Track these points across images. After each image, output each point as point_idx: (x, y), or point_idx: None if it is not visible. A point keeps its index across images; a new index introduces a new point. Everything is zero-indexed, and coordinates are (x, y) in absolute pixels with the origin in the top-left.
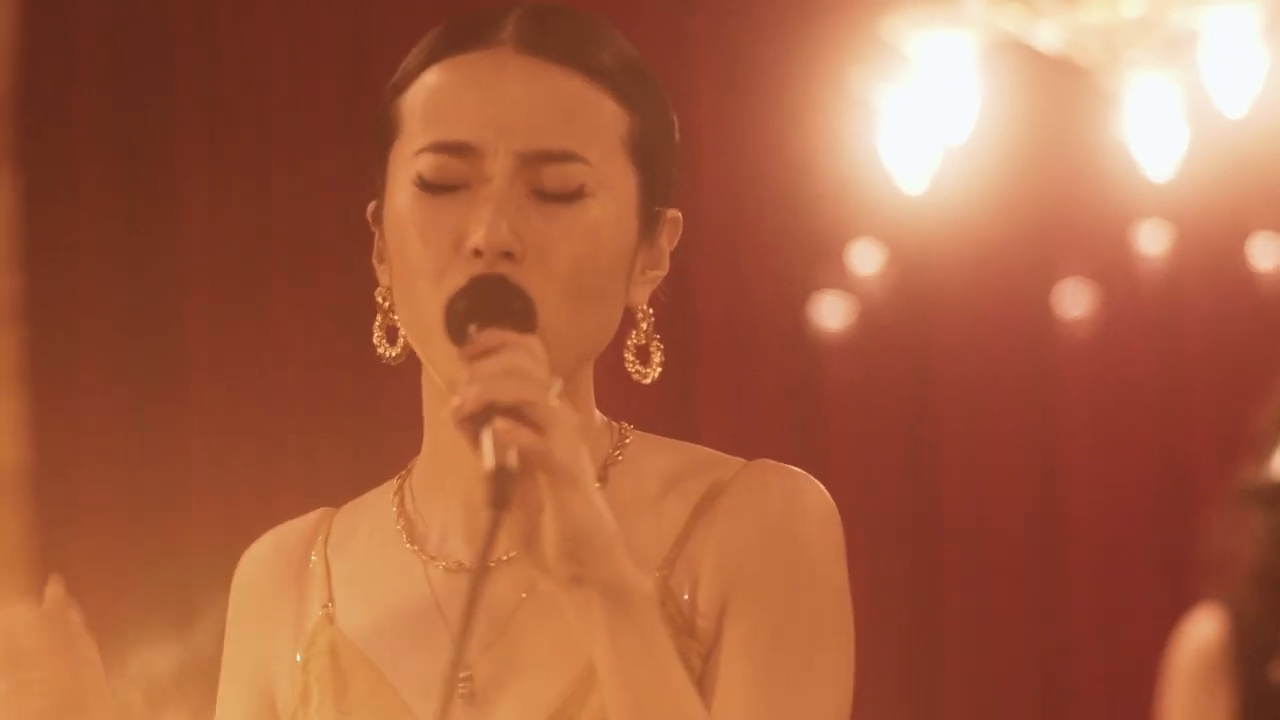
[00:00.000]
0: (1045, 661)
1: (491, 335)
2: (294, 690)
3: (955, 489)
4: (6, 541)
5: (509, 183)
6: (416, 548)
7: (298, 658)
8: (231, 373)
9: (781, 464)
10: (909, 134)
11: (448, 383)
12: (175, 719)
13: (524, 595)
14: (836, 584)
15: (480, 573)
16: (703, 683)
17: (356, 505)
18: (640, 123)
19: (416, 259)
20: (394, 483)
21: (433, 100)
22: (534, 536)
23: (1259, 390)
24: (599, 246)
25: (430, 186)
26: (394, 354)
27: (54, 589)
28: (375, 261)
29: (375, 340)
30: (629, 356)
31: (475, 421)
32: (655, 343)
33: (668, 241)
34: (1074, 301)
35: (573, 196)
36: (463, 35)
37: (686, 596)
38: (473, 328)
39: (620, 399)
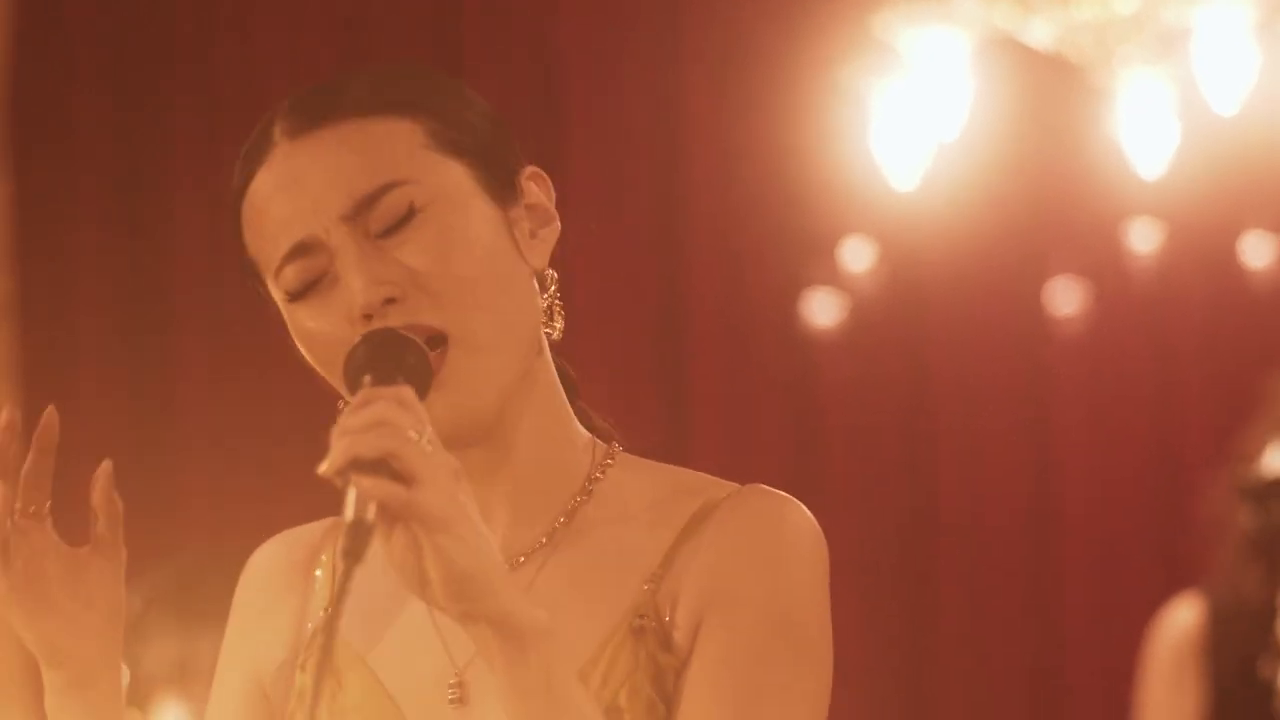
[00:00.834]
0: (1039, 656)
1: (365, 392)
2: (291, 690)
3: (949, 484)
4: None
5: (353, 244)
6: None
7: (299, 655)
8: (227, 372)
9: (772, 490)
10: (901, 130)
11: None
12: (168, 711)
13: None
14: (815, 608)
15: (334, 617)
16: (675, 697)
17: None
18: (432, 121)
19: (325, 353)
20: None
21: (257, 228)
22: (424, 580)
23: (1251, 386)
24: (461, 245)
25: (299, 294)
26: None
27: (110, 517)
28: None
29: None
30: (541, 320)
31: (343, 477)
32: (557, 305)
33: (545, 196)
34: (1066, 298)
35: (409, 216)
36: (248, 161)
37: (668, 614)
38: (367, 379)
39: (615, 398)
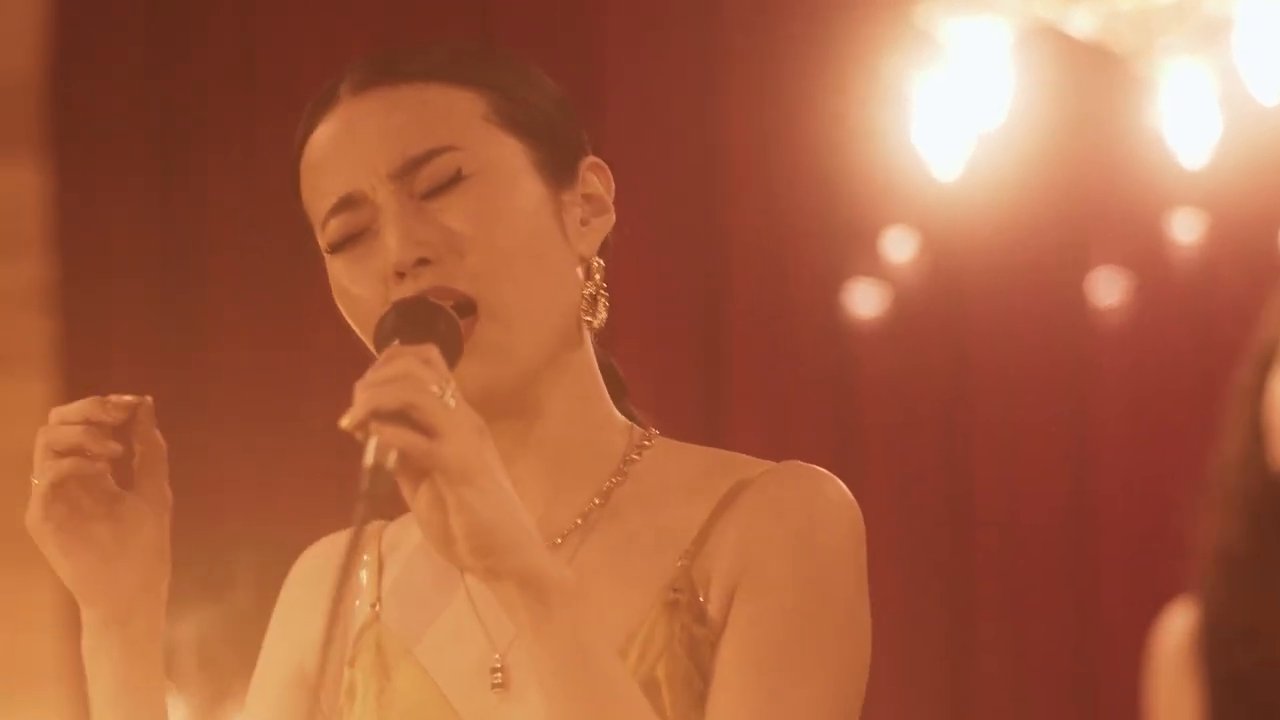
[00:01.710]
0: (1077, 650)
1: (389, 351)
2: (341, 684)
3: (989, 476)
4: None
5: (396, 202)
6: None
7: (347, 650)
8: (262, 358)
9: (807, 465)
10: (943, 121)
11: None
12: (199, 698)
13: None
14: (850, 580)
15: (348, 565)
16: (710, 670)
17: (408, 518)
18: (497, 95)
19: (360, 310)
20: None
21: (312, 180)
22: (448, 537)
23: None
24: (502, 216)
25: (339, 247)
26: None
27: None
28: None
29: None
30: (583, 305)
31: (364, 430)
32: (603, 293)
33: (603, 187)
34: (1108, 289)
35: (454, 182)
36: (311, 115)
37: (702, 588)
38: (396, 342)
39: (655, 390)
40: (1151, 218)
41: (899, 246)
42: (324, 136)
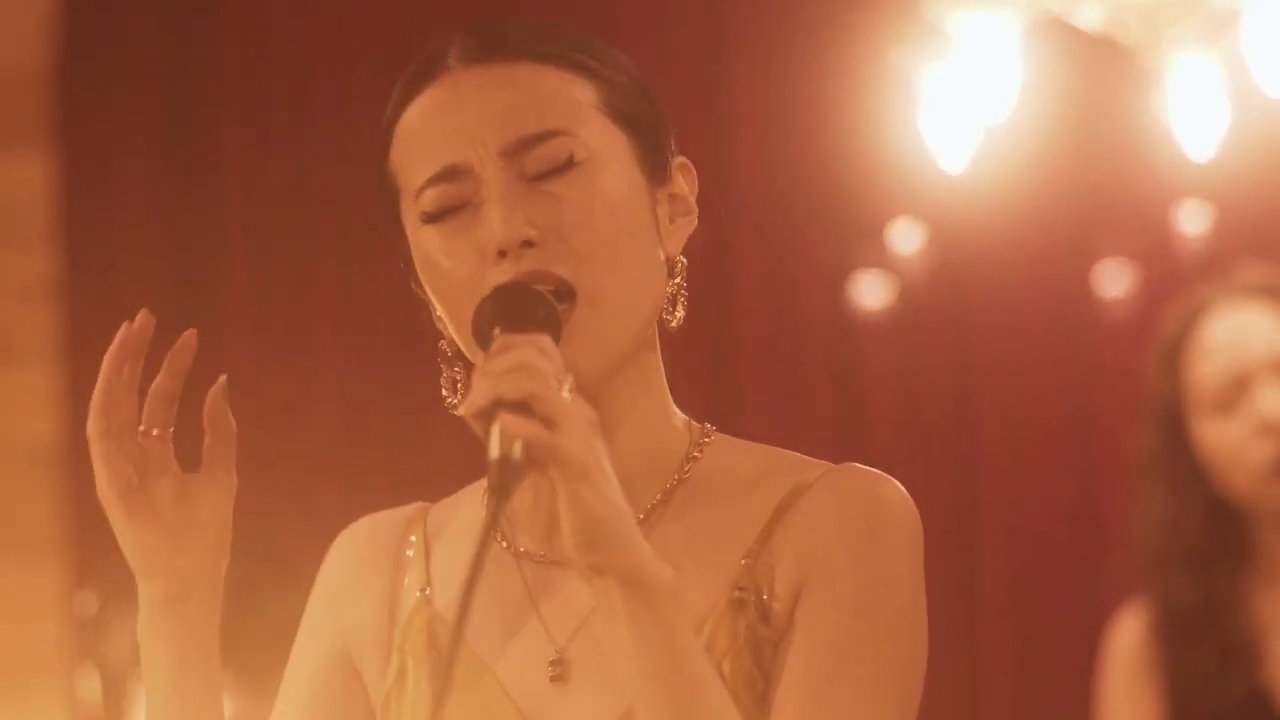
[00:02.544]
0: (1083, 645)
1: (505, 338)
2: (390, 669)
3: (993, 468)
4: (41, 516)
5: (504, 180)
6: (505, 543)
7: (395, 634)
8: (271, 350)
9: (867, 468)
10: (950, 113)
11: None
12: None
13: None
14: (910, 582)
15: (480, 553)
16: (773, 669)
17: (451, 502)
18: (605, 86)
19: (453, 284)
20: (483, 481)
21: (410, 146)
22: (554, 530)
23: None
24: (611, 207)
25: (437, 217)
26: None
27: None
28: (437, 322)
29: (443, 394)
30: (664, 304)
31: (485, 417)
32: (682, 293)
33: (688, 188)
34: (1114, 281)
35: (566, 167)
36: (414, 80)
37: (766, 588)
38: (497, 330)
39: None
40: (1159, 210)
41: (905, 238)
42: (429, 103)
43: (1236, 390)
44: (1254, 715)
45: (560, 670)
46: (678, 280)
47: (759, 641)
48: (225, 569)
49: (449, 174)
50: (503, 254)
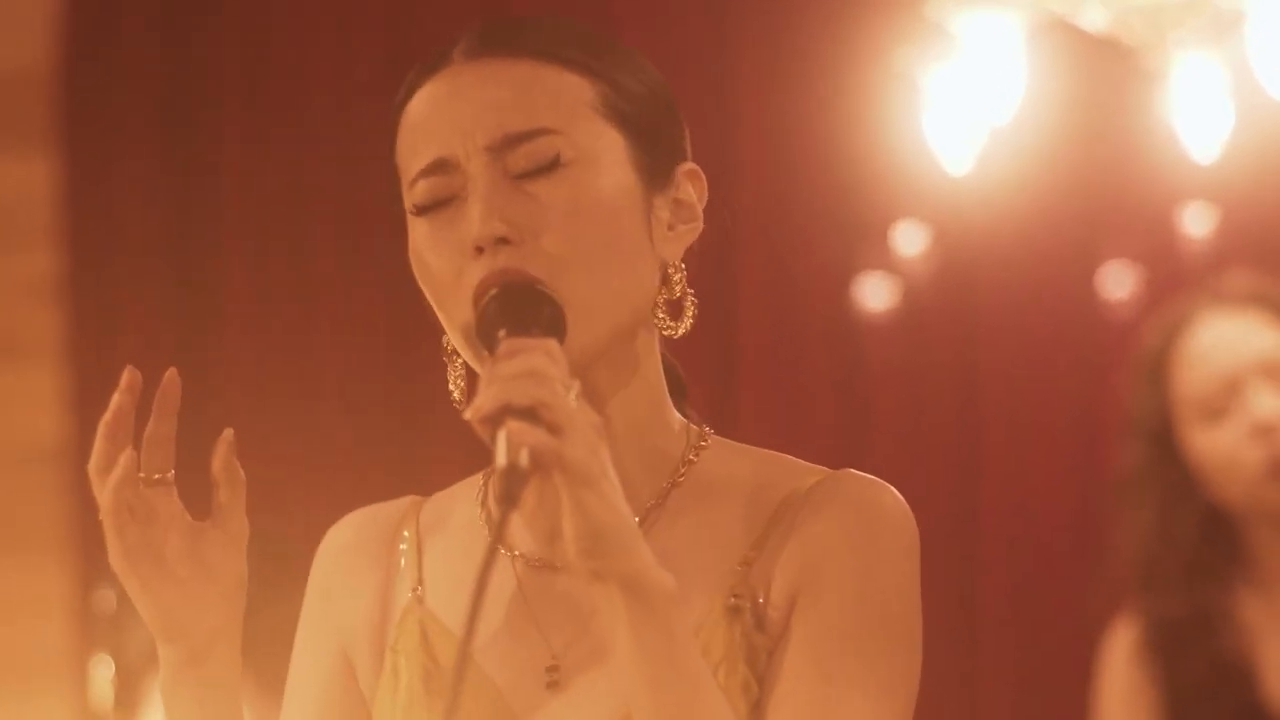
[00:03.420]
0: (1086, 646)
1: (512, 342)
2: (383, 668)
3: (998, 471)
4: (46, 515)
5: (488, 176)
6: (501, 547)
7: (389, 633)
8: (273, 350)
9: (865, 474)
10: (954, 114)
11: None
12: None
13: None
14: (906, 590)
15: (489, 562)
16: (767, 676)
17: (444, 496)
18: (608, 86)
19: (437, 277)
20: (478, 478)
21: (408, 136)
22: (556, 534)
23: None
24: (594, 208)
25: (425, 209)
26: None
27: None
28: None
29: (451, 391)
30: (659, 313)
31: (492, 423)
32: (690, 297)
33: (695, 195)
34: (1118, 283)
35: (551, 166)
36: (421, 70)
37: (762, 594)
38: (502, 333)
39: None
40: (1163, 212)
41: (909, 240)
42: (428, 96)
43: (1227, 396)
44: None
45: (556, 677)
46: (676, 285)
47: (754, 649)
48: (242, 618)
49: (438, 167)
50: (479, 250)
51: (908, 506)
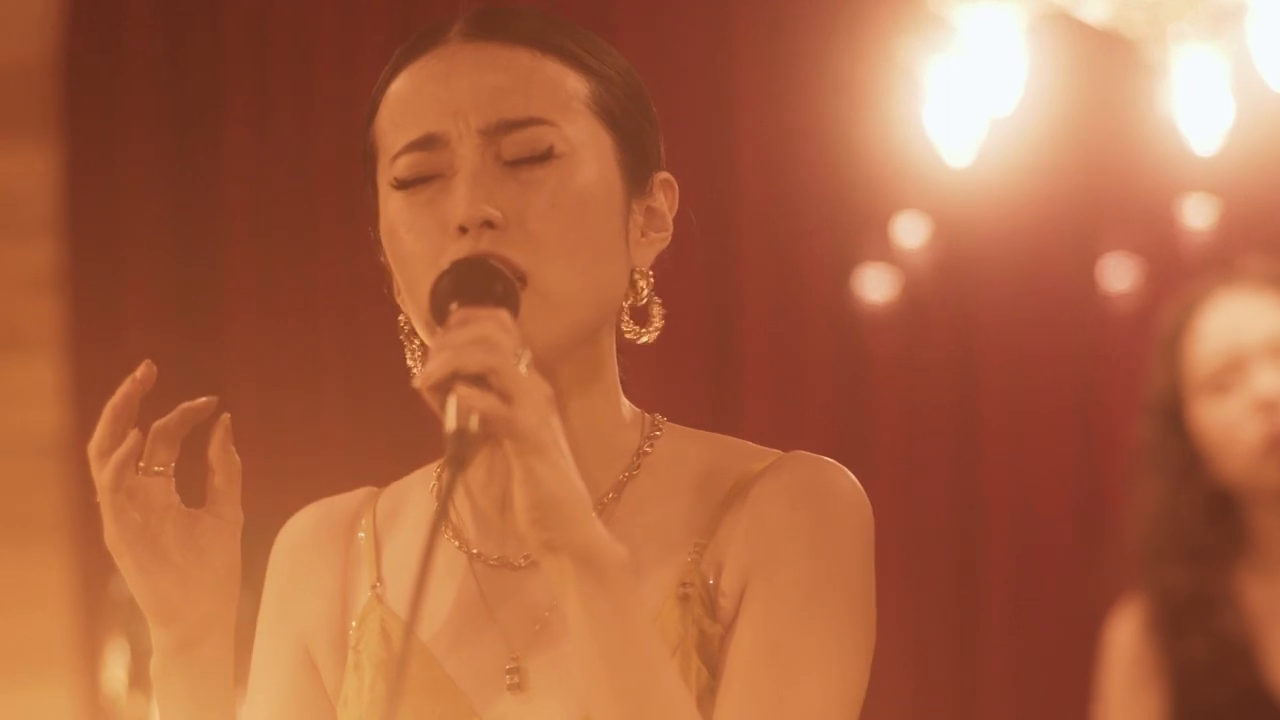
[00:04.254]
0: (1087, 637)
1: (464, 311)
2: (345, 666)
3: (998, 462)
4: (47, 507)
5: (479, 158)
6: (458, 544)
7: (350, 632)
8: (276, 340)
9: (816, 455)
10: (955, 106)
11: None
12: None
13: None
14: (859, 571)
15: (435, 530)
16: (721, 661)
17: (400, 487)
18: (601, 86)
19: (411, 254)
20: (433, 469)
21: (395, 110)
22: (507, 505)
23: None
24: (580, 203)
25: (407, 184)
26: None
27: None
28: (396, 298)
29: (411, 369)
30: (625, 318)
31: (442, 390)
32: (656, 304)
33: (666, 204)
34: (1119, 275)
35: (543, 157)
36: (413, 47)
37: (713, 581)
38: (454, 306)
39: (664, 374)
40: (1163, 204)
41: (910, 232)
42: (422, 71)
43: (1233, 372)
44: (1254, 709)
45: (517, 679)
46: (644, 289)
47: (705, 637)
48: (236, 605)
49: (426, 142)
50: (463, 230)
51: (860, 486)
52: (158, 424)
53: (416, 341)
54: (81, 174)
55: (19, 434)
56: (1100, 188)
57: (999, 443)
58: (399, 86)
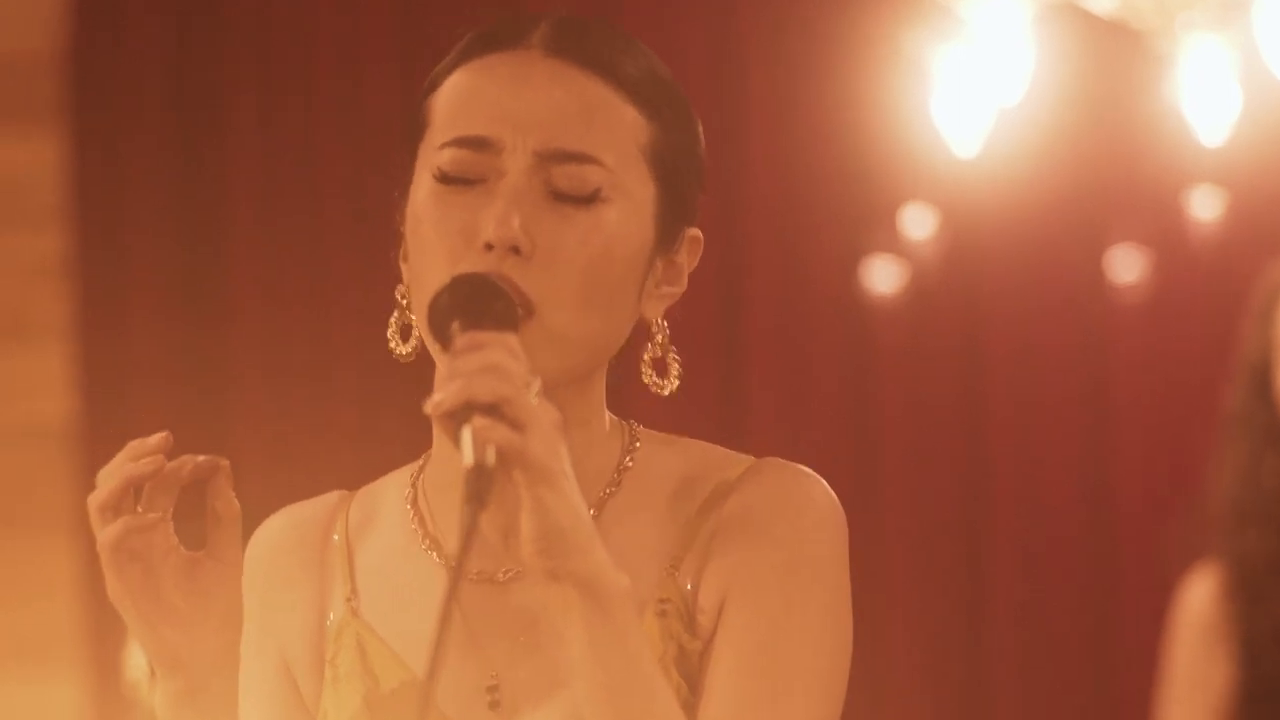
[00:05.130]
0: (1095, 628)
1: (473, 336)
2: (322, 679)
3: (1006, 453)
4: (53, 495)
5: (525, 180)
6: (435, 554)
7: (327, 644)
8: (282, 329)
9: (787, 462)
10: (962, 96)
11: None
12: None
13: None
14: (834, 583)
15: (458, 570)
16: (699, 677)
17: (371, 491)
18: (661, 134)
19: (431, 249)
20: (406, 475)
21: (458, 98)
22: (511, 531)
23: None
24: (610, 251)
25: (448, 179)
26: (405, 351)
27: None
28: (400, 261)
29: (389, 336)
30: (646, 369)
31: (454, 418)
32: (672, 355)
33: (687, 260)
34: (1126, 266)
35: (588, 199)
36: (493, 37)
37: (691, 594)
38: (455, 325)
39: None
40: (1170, 195)
41: (917, 223)
42: (495, 68)
43: None
44: None
45: (497, 696)
46: (660, 341)
47: (684, 652)
48: (238, 647)
49: (479, 144)
50: (489, 248)
51: (834, 495)
52: (164, 472)
53: (411, 314)
54: (88, 163)
55: (26, 423)
56: (1107, 178)
57: (1006, 433)
58: (468, 77)
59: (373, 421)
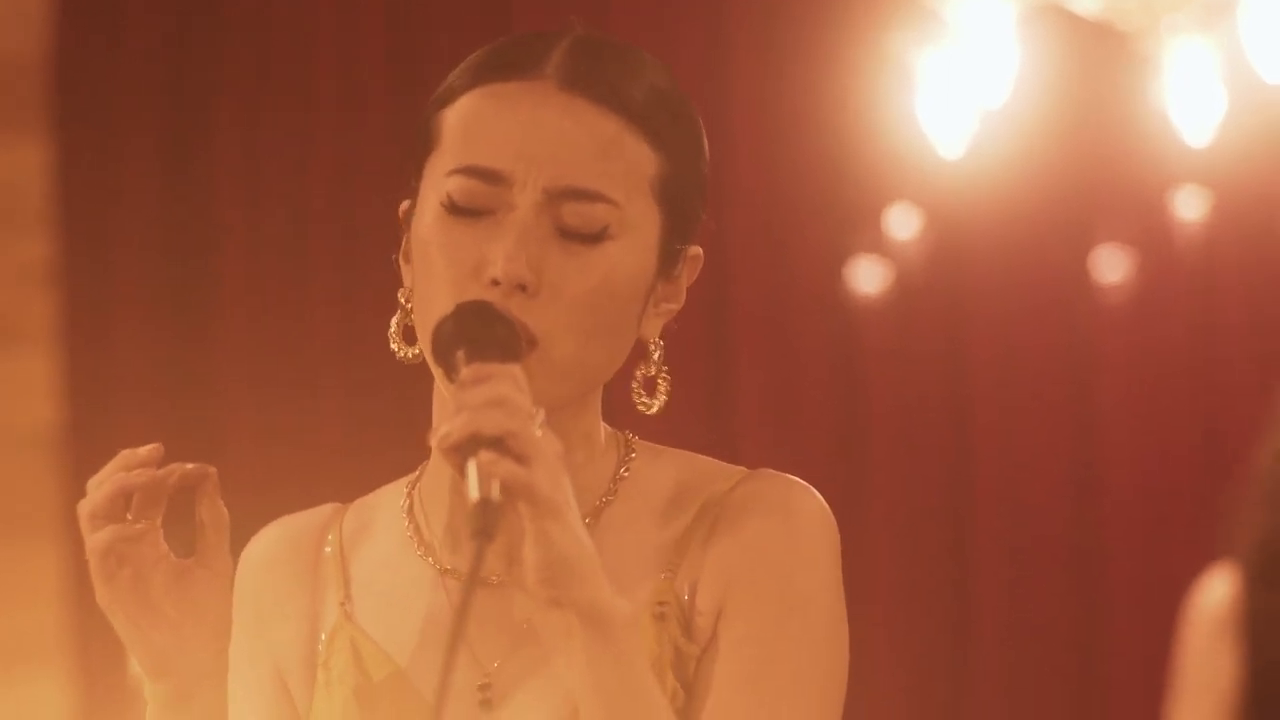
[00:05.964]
0: (1081, 629)
1: (479, 368)
2: (315, 683)
3: (991, 454)
4: (39, 500)
5: (534, 215)
6: (430, 560)
7: (319, 649)
8: (268, 336)
9: (780, 473)
10: (947, 98)
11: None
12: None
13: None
14: (830, 592)
15: (465, 604)
16: (695, 685)
17: (366, 503)
18: (669, 164)
19: (437, 277)
20: (402, 486)
21: (470, 124)
22: (515, 560)
23: None
24: (615, 288)
25: (457, 209)
26: (411, 354)
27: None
28: (401, 260)
29: (391, 337)
30: (635, 387)
31: (461, 452)
32: (663, 374)
33: (687, 277)
34: (1110, 267)
35: (596, 237)
36: (508, 62)
37: (688, 600)
38: (460, 354)
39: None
40: (1155, 196)
41: (902, 223)
42: (508, 100)
43: None
44: None
45: (489, 695)
46: (656, 359)
47: (681, 656)
48: (226, 654)
49: (489, 176)
50: (495, 283)
51: (826, 506)
52: (152, 480)
53: (413, 318)
54: (76, 168)
55: (14, 428)
56: (1092, 179)
57: (991, 433)
58: (482, 102)
59: (359, 428)
